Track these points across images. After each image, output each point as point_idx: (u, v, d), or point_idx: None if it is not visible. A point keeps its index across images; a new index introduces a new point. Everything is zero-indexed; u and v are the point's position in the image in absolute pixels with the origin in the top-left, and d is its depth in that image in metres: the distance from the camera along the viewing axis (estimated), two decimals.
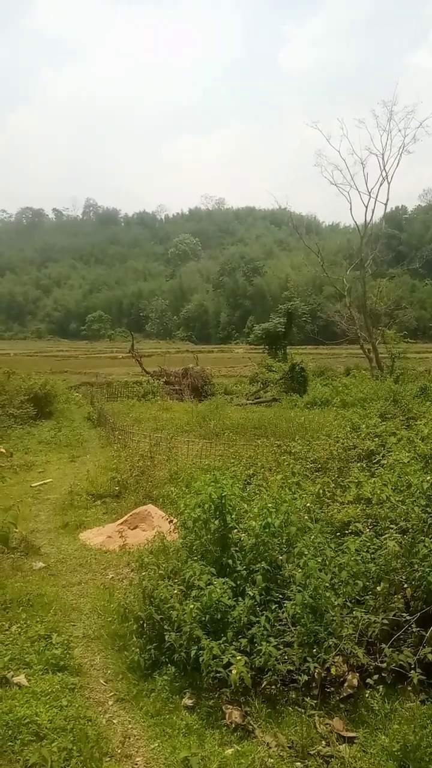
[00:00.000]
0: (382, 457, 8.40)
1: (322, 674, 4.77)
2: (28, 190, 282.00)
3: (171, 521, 7.73)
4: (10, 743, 4.30)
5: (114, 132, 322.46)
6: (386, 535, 5.65)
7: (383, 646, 4.87)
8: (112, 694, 5.24)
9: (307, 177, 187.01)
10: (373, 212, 32.80)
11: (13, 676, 5.21)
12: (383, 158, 30.45)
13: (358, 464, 8.43)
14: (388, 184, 30.90)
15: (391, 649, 4.76)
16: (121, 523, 9.73)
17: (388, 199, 32.39)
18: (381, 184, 31.11)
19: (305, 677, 4.66)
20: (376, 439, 9.37)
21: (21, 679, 5.20)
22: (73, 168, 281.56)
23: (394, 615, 5.05)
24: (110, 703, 5.11)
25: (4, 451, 4.83)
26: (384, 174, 30.60)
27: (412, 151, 30.44)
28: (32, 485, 12.89)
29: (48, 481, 13.32)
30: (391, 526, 5.97)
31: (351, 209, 34.12)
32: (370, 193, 31.15)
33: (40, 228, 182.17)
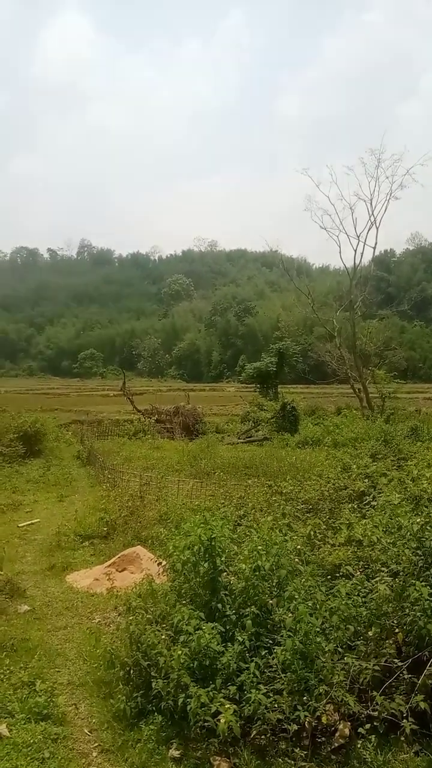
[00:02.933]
0: (373, 498, 8.38)
1: (313, 723, 4.65)
2: (24, 230, 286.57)
3: (160, 563, 7.62)
4: None
5: (111, 176, 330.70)
6: (377, 579, 5.60)
7: (375, 693, 4.77)
8: (96, 744, 5.06)
9: (297, 221, 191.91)
10: (362, 255, 33.67)
11: None
12: (371, 204, 31.34)
13: (350, 505, 8.39)
14: (377, 228, 31.71)
15: (382, 697, 4.67)
16: (109, 565, 9.56)
17: (376, 243, 33.16)
18: (369, 229, 31.90)
19: (295, 726, 4.54)
20: (367, 479, 9.37)
21: (2, 729, 5.04)
22: (69, 210, 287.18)
23: (385, 661, 4.96)
24: (94, 754, 4.94)
25: None
26: (372, 219, 31.45)
27: (400, 198, 31.26)
28: (19, 525, 12.68)
29: (35, 521, 13.12)
30: (382, 568, 5.92)
31: (340, 252, 35.09)
32: (359, 237, 31.96)
33: (34, 267, 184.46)
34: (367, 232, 31.98)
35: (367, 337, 34.69)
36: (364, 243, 32.05)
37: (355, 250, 32.31)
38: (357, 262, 33.33)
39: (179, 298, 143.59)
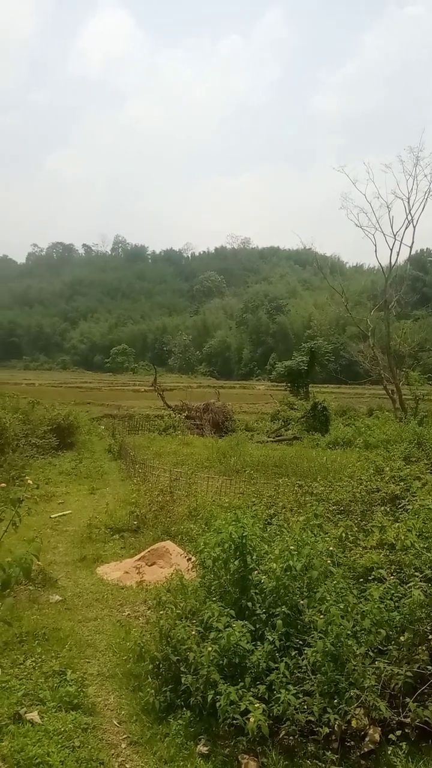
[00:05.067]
0: (407, 501, 8.23)
1: (343, 726, 4.60)
2: (60, 226, 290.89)
3: (189, 559, 7.65)
4: None
5: (146, 173, 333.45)
6: (411, 583, 5.49)
7: (407, 700, 4.69)
8: (125, 736, 5.11)
9: (332, 219, 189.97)
10: (398, 254, 32.83)
11: (26, 713, 5.12)
12: (409, 202, 30.74)
13: (382, 508, 8.26)
14: (414, 227, 31.08)
15: (415, 704, 4.58)
16: (139, 559, 9.66)
17: (413, 242, 32.50)
18: (406, 228, 31.30)
19: (327, 729, 4.49)
20: (401, 483, 9.21)
21: (34, 715, 5.12)
22: (104, 206, 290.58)
23: (418, 667, 4.87)
24: (123, 745, 4.99)
25: (31, 482, 4.90)
26: (409, 218, 30.84)
27: None
28: (51, 516, 12.91)
29: (67, 512, 13.33)
30: (416, 573, 5.81)
31: (376, 251, 34.44)
32: (395, 235, 31.41)
33: (69, 262, 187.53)
34: (404, 231, 31.40)
35: (402, 337, 34.10)
36: (401, 242, 31.50)
37: (391, 249, 31.79)
38: (393, 261, 32.78)
39: (211, 295, 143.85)
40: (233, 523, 6.22)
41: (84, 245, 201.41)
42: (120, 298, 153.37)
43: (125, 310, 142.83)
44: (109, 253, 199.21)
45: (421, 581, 5.50)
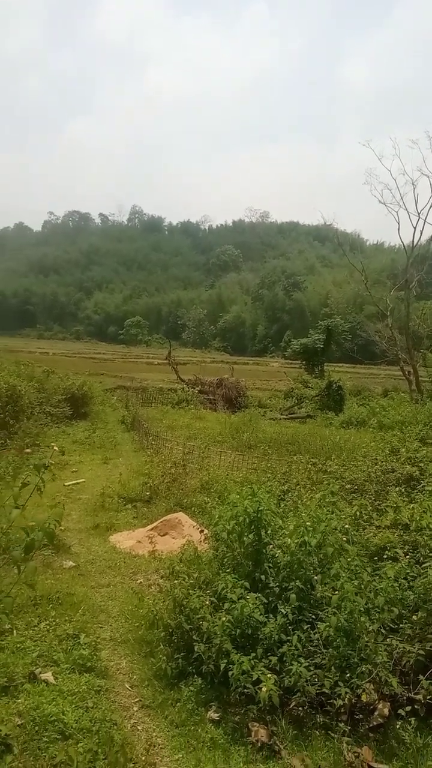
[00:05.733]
0: (425, 483, 8.18)
1: (353, 700, 4.65)
2: (77, 194, 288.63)
3: (202, 531, 7.71)
4: (35, 740, 4.32)
5: (165, 143, 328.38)
6: (426, 564, 5.49)
7: (418, 677, 4.72)
8: (137, 699, 5.22)
9: (354, 194, 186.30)
10: (421, 233, 32.33)
11: (40, 673, 5.24)
12: None
13: (397, 488, 8.24)
14: None
15: (428, 681, 4.61)
16: (152, 529, 9.76)
17: None
18: (431, 206, 30.66)
19: (339, 701, 4.54)
20: (420, 464, 9.15)
21: (48, 676, 5.23)
22: (122, 175, 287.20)
23: (430, 646, 4.89)
24: (135, 708, 5.10)
25: (57, 448, 4.91)
26: None
27: None
28: (65, 484, 13.05)
29: (81, 481, 13.48)
30: (430, 554, 5.81)
31: (399, 229, 33.97)
32: (419, 214, 30.73)
33: (85, 231, 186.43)
34: (429, 209, 30.73)
35: (421, 318, 33.61)
36: (425, 220, 30.84)
37: (415, 227, 31.13)
38: (416, 240, 32.17)
39: (227, 269, 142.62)
40: (249, 497, 6.23)
41: (100, 215, 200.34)
42: (135, 269, 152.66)
43: (140, 282, 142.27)
44: (126, 223, 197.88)
45: None
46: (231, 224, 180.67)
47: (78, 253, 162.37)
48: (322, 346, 42.02)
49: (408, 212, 31.19)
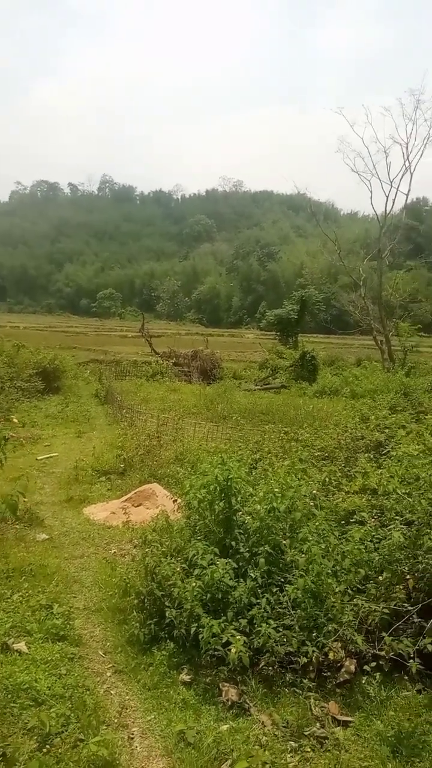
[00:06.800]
0: (391, 449, 8.35)
1: (320, 658, 4.80)
2: (45, 163, 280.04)
3: (175, 501, 7.77)
4: (9, 707, 4.37)
5: (135, 109, 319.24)
6: (391, 526, 5.63)
7: (383, 634, 4.88)
8: (110, 665, 5.30)
9: (327, 163, 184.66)
10: (393, 202, 32.23)
11: (13, 643, 5.28)
12: (407, 148, 29.95)
13: (366, 455, 8.38)
14: (411, 174, 30.39)
15: (390, 638, 4.78)
16: (126, 500, 9.79)
17: (409, 190, 31.93)
18: (403, 174, 30.63)
19: (304, 659, 4.69)
20: (386, 430, 9.32)
21: (21, 646, 5.28)
22: (92, 143, 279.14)
23: (395, 605, 5.05)
24: (108, 674, 5.18)
25: (16, 420, 4.84)
26: (407, 164, 30.13)
27: None
28: (38, 458, 12.97)
29: (54, 454, 13.41)
30: (396, 517, 5.95)
31: (371, 198, 33.73)
32: (391, 182, 30.72)
33: (54, 202, 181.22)
34: (401, 178, 30.76)
35: (393, 288, 33.93)
36: (397, 189, 30.89)
37: (387, 196, 31.15)
38: (388, 209, 32.17)
39: (201, 239, 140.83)
40: (219, 465, 6.28)
41: (70, 184, 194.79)
42: (107, 240, 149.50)
43: (112, 254, 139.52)
44: (96, 192, 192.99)
45: (401, 525, 5.64)
46: (204, 194, 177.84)
47: (47, 224, 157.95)
48: (296, 317, 42.23)
49: (380, 181, 31.16)
